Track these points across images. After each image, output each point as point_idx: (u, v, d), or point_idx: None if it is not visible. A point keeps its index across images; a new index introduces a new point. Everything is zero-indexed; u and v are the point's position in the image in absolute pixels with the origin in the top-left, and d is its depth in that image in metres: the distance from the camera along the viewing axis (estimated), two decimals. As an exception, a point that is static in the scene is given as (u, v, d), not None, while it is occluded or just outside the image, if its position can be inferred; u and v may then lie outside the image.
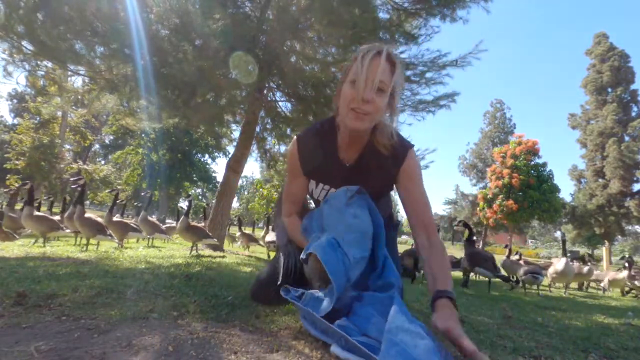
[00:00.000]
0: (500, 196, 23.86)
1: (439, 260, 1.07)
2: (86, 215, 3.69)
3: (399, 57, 1.17)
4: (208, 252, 4.18)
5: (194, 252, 3.62)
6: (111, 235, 3.84)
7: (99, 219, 3.88)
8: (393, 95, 1.12)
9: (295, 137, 1.29)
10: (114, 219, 4.25)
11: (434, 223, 1.17)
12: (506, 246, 5.80)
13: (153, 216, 20.04)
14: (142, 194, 15.88)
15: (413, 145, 1.21)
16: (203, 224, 4.98)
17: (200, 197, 32.29)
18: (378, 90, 1.06)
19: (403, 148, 1.18)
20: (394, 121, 1.18)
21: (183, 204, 29.71)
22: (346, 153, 1.22)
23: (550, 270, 4.40)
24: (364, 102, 1.06)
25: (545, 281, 4.58)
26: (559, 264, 4.33)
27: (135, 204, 15.92)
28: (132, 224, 4.54)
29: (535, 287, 4.21)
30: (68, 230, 4.19)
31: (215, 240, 4.11)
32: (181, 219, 3.78)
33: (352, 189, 1.13)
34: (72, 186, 4.37)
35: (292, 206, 1.33)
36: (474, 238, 4.13)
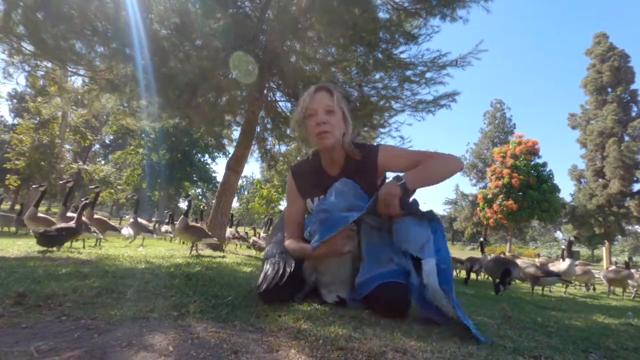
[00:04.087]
0: (500, 196, 23.84)
1: (425, 163, 1.36)
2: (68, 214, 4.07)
3: (334, 87, 1.49)
4: (208, 252, 4.18)
5: (194, 252, 3.62)
6: (96, 232, 3.96)
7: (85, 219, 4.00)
8: (344, 114, 1.46)
9: (290, 169, 1.66)
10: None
11: (428, 154, 1.40)
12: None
13: (153, 219, 20.05)
14: (129, 196, 15.92)
15: (379, 145, 1.52)
16: (201, 224, 5.00)
17: (200, 197, 32.25)
18: (327, 112, 1.41)
19: (373, 148, 1.48)
20: (349, 131, 1.48)
21: (183, 204, 29.71)
22: (330, 169, 1.52)
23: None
24: (321, 125, 1.39)
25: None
26: (562, 264, 4.35)
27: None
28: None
29: (532, 286, 4.19)
30: None
31: (215, 239, 4.11)
32: (180, 218, 3.78)
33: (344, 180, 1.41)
34: (60, 182, 5.11)
35: (293, 226, 1.53)
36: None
